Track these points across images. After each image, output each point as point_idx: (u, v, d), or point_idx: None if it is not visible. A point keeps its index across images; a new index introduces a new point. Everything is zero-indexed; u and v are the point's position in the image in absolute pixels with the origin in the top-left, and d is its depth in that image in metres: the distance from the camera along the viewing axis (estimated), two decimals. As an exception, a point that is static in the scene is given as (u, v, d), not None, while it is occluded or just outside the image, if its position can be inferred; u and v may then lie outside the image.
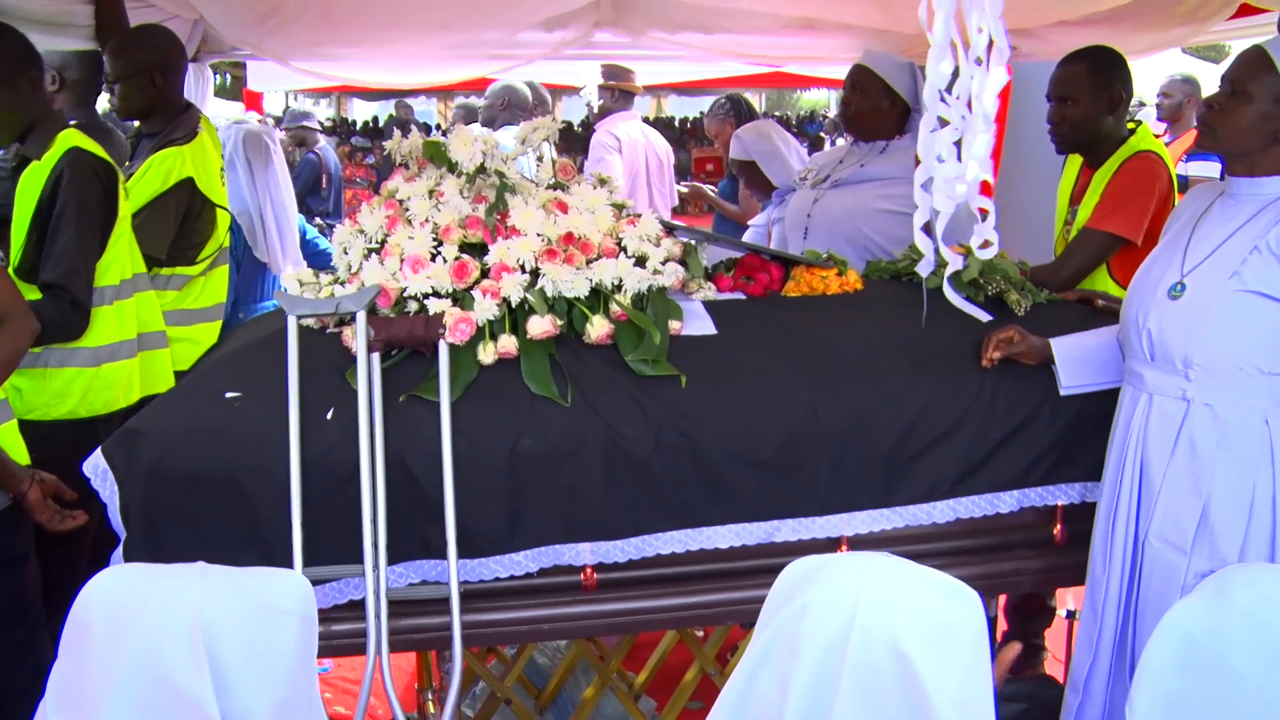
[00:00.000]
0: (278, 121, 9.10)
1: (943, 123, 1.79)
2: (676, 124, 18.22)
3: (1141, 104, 7.68)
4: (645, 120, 5.95)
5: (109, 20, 3.34)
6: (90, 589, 1.25)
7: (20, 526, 2.30)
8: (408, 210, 2.39)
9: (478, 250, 2.34)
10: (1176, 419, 2.12)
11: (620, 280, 2.32)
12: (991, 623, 2.83)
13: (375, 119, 17.72)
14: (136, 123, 3.28)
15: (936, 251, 2.02)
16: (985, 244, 1.98)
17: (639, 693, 3.03)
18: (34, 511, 2.26)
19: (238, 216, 3.88)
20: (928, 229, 2.00)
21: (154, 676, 1.15)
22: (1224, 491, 2.07)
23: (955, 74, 1.76)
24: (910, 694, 1.18)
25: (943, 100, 1.77)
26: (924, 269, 2.16)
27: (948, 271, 2.10)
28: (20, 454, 2.36)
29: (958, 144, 1.79)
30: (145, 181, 3.06)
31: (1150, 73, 6.54)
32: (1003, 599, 3.31)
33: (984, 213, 1.93)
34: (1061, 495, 2.41)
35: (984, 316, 2.32)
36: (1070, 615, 2.99)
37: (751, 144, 4.27)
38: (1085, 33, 3.76)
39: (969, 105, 1.73)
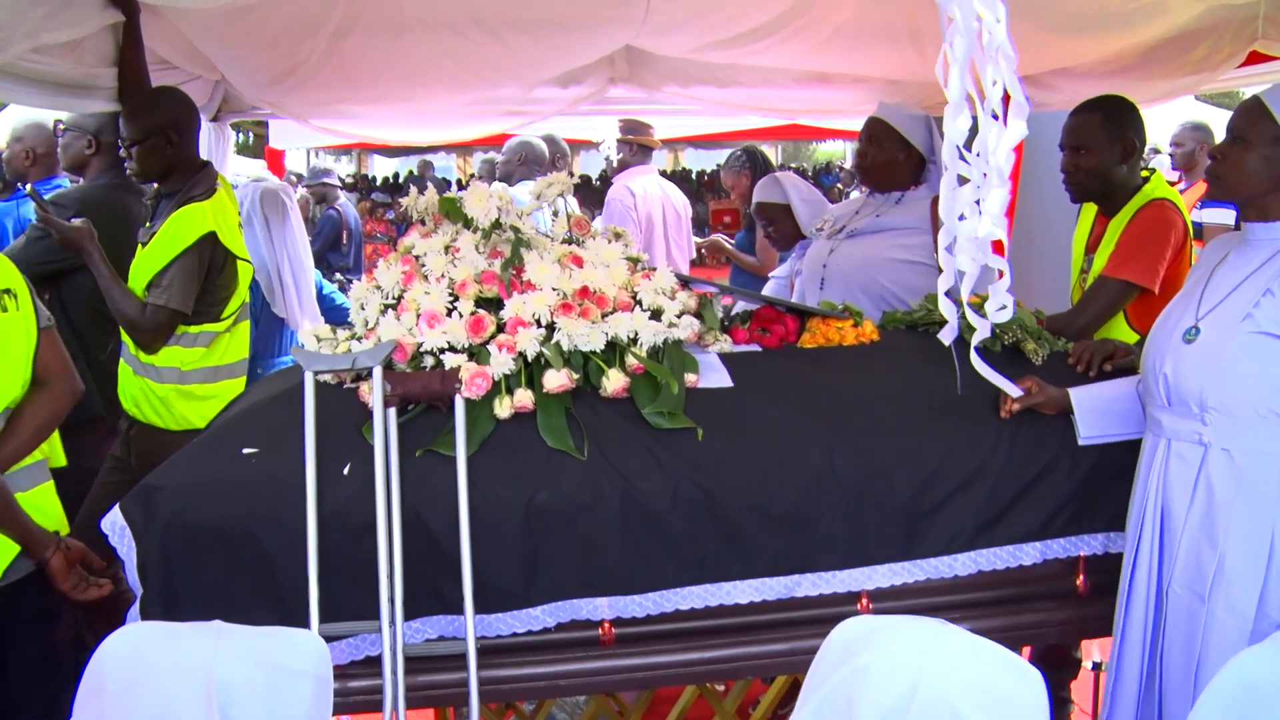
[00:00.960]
0: (299, 179, 9.22)
1: (963, 180, 1.77)
2: (694, 176, 18.34)
3: (1155, 151, 7.68)
4: (662, 173, 5.99)
5: (131, 82, 3.39)
6: (105, 649, 1.24)
7: (52, 587, 2.31)
8: (424, 266, 2.40)
9: (493, 305, 2.35)
10: (1194, 464, 2.11)
11: (636, 333, 2.32)
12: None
13: (396, 174, 17.93)
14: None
15: (961, 317, 1.98)
16: (1002, 307, 1.93)
17: (659, 749, 2.99)
18: (57, 579, 2.27)
19: (255, 273, 3.91)
20: (950, 293, 1.95)
21: None
22: (1241, 537, 2.05)
23: (974, 129, 1.75)
24: None
25: (962, 158, 1.76)
26: (947, 336, 2.07)
27: (975, 339, 2.04)
28: (53, 517, 2.37)
29: (979, 201, 1.76)
30: (168, 239, 3.09)
31: (1164, 120, 6.55)
32: (1026, 650, 3.26)
33: (1000, 275, 1.89)
34: (1084, 546, 2.39)
35: (1015, 391, 2.27)
36: (1096, 667, 2.95)
37: (791, 188, 4.14)
38: (1097, 82, 3.78)
39: (988, 161, 1.71)
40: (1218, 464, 2.08)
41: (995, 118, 1.69)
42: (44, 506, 2.36)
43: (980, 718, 1.16)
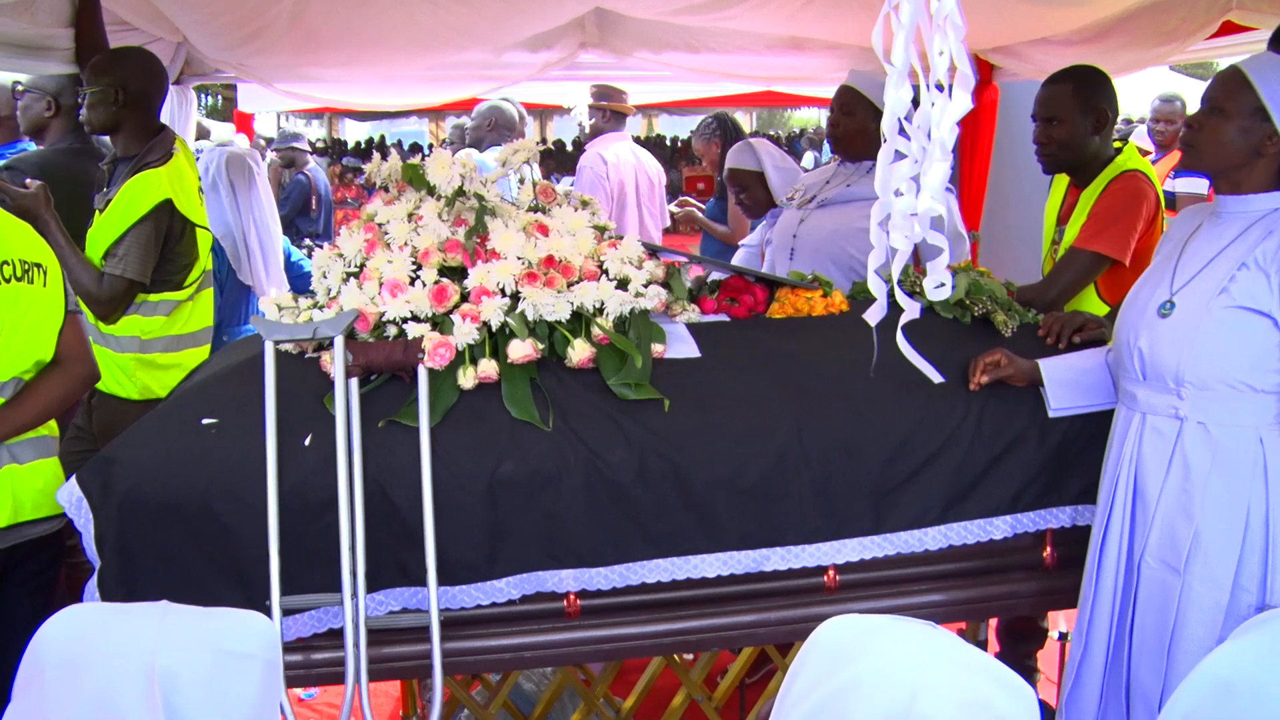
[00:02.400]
0: (269, 142, 9.09)
1: (900, 155, 1.72)
2: (668, 143, 18.23)
3: (1128, 121, 7.68)
4: (636, 140, 5.94)
5: (88, 44, 3.33)
6: (45, 630, 1.21)
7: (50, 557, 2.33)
8: (386, 234, 2.36)
9: (457, 274, 2.31)
10: (1170, 438, 2.11)
11: (602, 303, 2.29)
12: (982, 645, 2.79)
13: (370, 140, 17.73)
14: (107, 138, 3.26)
15: (890, 296, 1.94)
16: (940, 285, 1.88)
17: (626, 718, 2.99)
18: None
19: (221, 239, 3.86)
20: (881, 270, 1.90)
21: None
22: (1217, 511, 2.05)
23: (915, 100, 1.70)
24: None
25: (903, 131, 1.71)
26: (874, 316, 2.01)
27: (903, 320, 1.97)
28: (47, 494, 2.37)
29: (916, 178, 1.71)
30: (124, 207, 3.03)
31: (1138, 90, 6.54)
32: (993, 621, 3.28)
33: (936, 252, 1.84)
34: (1052, 519, 2.39)
35: (937, 377, 2.23)
36: (1062, 637, 2.96)
37: (766, 155, 4.10)
38: (1069, 52, 3.76)
39: (929, 135, 1.66)
40: (1194, 438, 2.08)
41: (940, 89, 1.64)
42: (40, 484, 2.33)
43: None
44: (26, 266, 2.30)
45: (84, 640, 1.18)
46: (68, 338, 2.39)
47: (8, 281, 2.25)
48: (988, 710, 1.14)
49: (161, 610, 1.23)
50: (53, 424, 2.44)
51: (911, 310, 1.95)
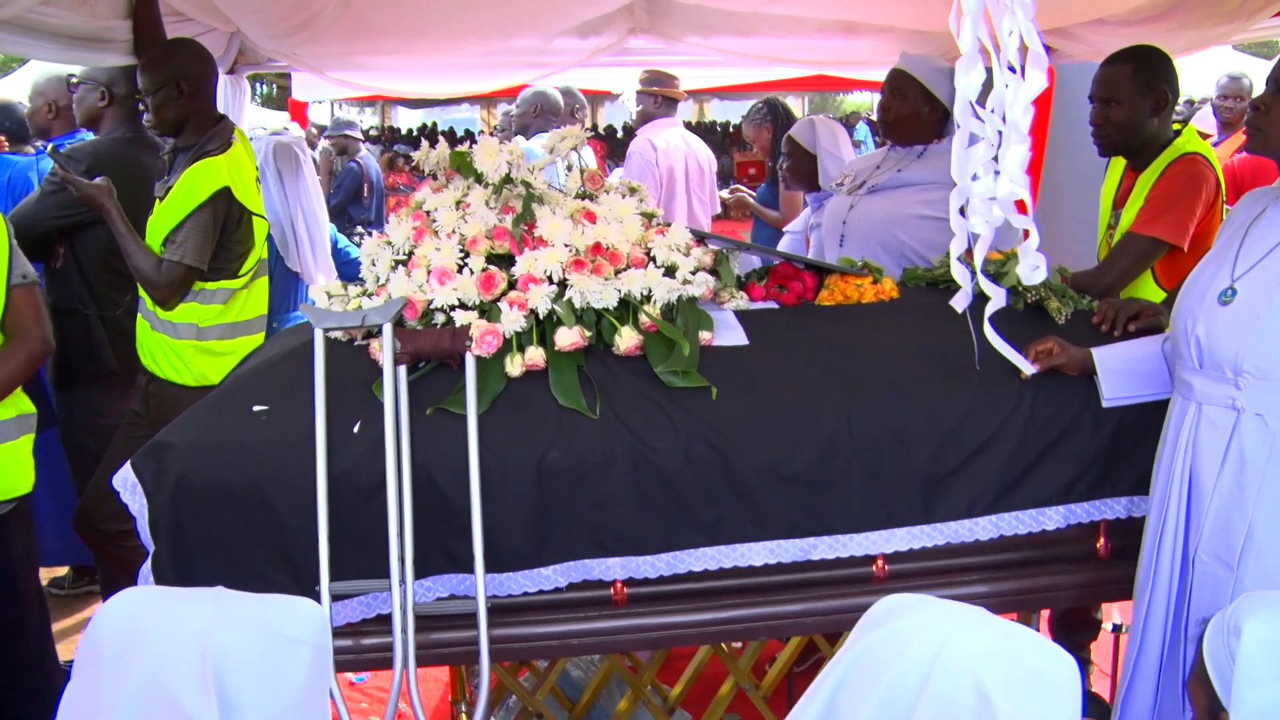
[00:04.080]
0: (321, 130, 9.18)
1: (975, 138, 1.70)
2: (716, 129, 18.15)
3: (1190, 102, 7.51)
4: (687, 125, 5.91)
5: (146, 35, 3.37)
6: (103, 612, 1.24)
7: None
8: (435, 222, 2.37)
9: (505, 261, 2.32)
10: (1226, 429, 2.05)
11: (649, 290, 2.28)
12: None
13: (423, 127, 17.85)
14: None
15: (976, 284, 1.92)
16: (1035, 269, 1.87)
17: (673, 706, 2.99)
18: None
19: (270, 227, 3.89)
20: (964, 258, 1.89)
21: (161, 702, 1.14)
22: (1272, 504, 2.00)
23: (989, 83, 1.68)
24: None
25: (975, 114, 1.68)
26: (960, 303, 2.02)
27: (989, 309, 1.98)
28: (21, 474, 2.44)
29: (995, 160, 1.69)
30: (183, 194, 3.08)
31: (1200, 71, 6.40)
32: (1045, 611, 3.24)
33: (1027, 234, 1.83)
34: (1107, 510, 2.34)
35: (1028, 368, 2.22)
36: (1116, 629, 2.91)
37: (824, 138, 4.09)
38: (1126, 32, 3.68)
39: (1004, 117, 1.64)
40: (1250, 430, 2.02)
41: (1012, 70, 1.61)
42: (10, 464, 2.37)
43: (1004, 687, 1.12)
44: None
45: (140, 621, 1.20)
46: (17, 311, 2.40)
47: None
48: (1021, 666, 1.13)
49: (216, 595, 1.25)
50: (13, 403, 2.47)
51: (998, 298, 1.93)
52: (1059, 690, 1.14)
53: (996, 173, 1.67)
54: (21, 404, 2.60)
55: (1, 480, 2.53)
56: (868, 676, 1.19)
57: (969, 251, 1.88)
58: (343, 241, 4.63)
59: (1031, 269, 1.85)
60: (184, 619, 1.20)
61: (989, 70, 1.67)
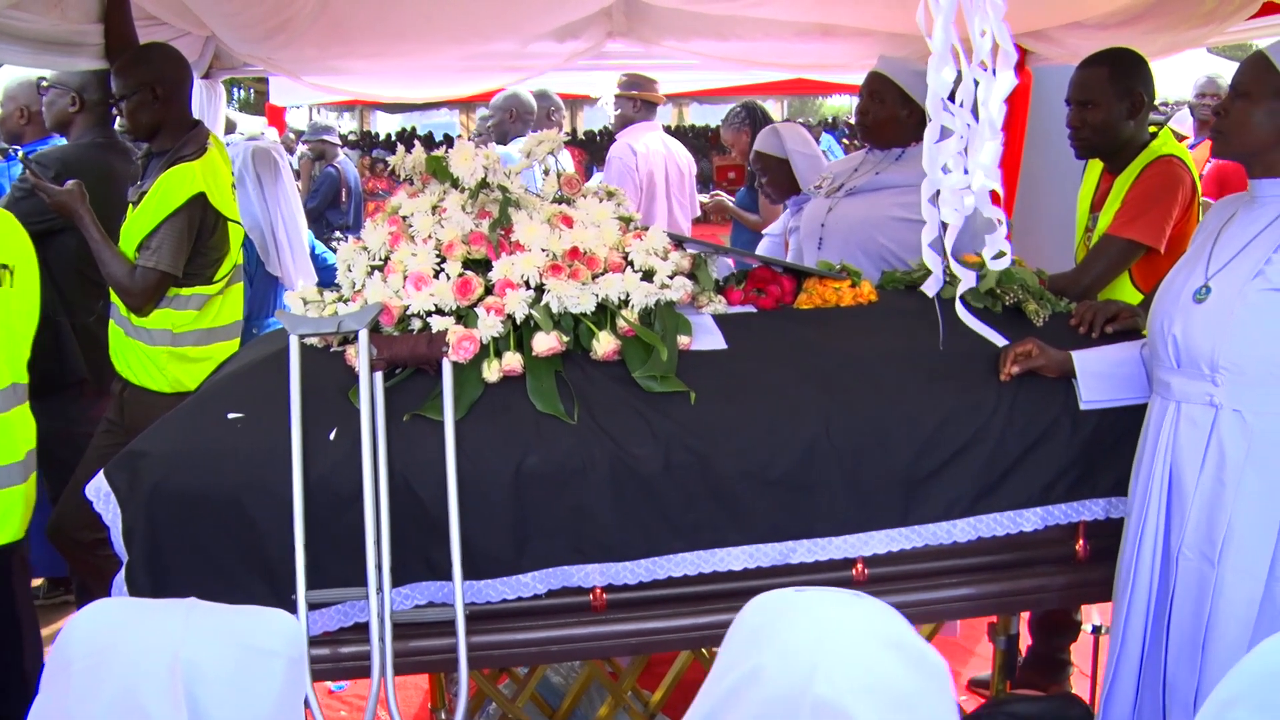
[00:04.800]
0: (299, 135, 9.13)
1: (947, 132, 1.73)
2: (697, 133, 18.15)
3: (1167, 105, 7.56)
4: (666, 129, 5.90)
5: (118, 39, 3.34)
6: (72, 624, 1.21)
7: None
8: (411, 226, 2.35)
9: (482, 267, 2.30)
10: (1205, 426, 2.07)
11: (627, 295, 2.27)
12: (1014, 639, 2.76)
13: (402, 131, 17.78)
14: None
15: (946, 268, 1.97)
16: (999, 255, 1.92)
17: (654, 712, 2.98)
18: None
19: (250, 232, 3.87)
20: (935, 244, 1.94)
21: (131, 716, 1.12)
22: (1252, 500, 2.01)
23: (959, 80, 1.71)
24: None
25: (946, 109, 1.71)
26: (931, 287, 2.09)
27: (960, 289, 2.03)
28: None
29: (964, 153, 1.72)
30: (158, 200, 3.05)
31: (1175, 74, 6.44)
32: (1026, 613, 3.24)
33: (997, 223, 1.87)
34: (1085, 511, 2.34)
35: (999, 340, 2.25)
36: (1096, 630, 2.92)
37: (791, 141, 4.10)
38: (1103, 35, 3.69)
39: (974, 113, 1.67)
40: (1229, 426, 2.04)
41: (984, 68, 1.63)
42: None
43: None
44: None
45: (109, 634, 1.18)
46: None
47: None
48: (889, 691, 1.10)
49: (187, 606, 1.23)
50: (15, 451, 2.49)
51: (968, 280, 1.97)
52: (929, 715, 1.13)
53: (966, 167, 1.70)
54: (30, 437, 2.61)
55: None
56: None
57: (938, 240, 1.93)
58: (319, 247, 4.61)
59: (994, 255, 1.89)
60: (154, 631, 1.18)
61: (959, 69, 1.70)
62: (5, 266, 2.30)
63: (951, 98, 1.71)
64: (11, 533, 2.53)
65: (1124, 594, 2.21)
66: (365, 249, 2.38)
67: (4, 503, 2.50)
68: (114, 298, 3.16)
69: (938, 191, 1.77)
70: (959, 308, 2.07)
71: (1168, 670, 2.14)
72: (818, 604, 1.18)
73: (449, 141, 14.40)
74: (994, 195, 1.77)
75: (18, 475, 2.53)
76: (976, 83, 1.65)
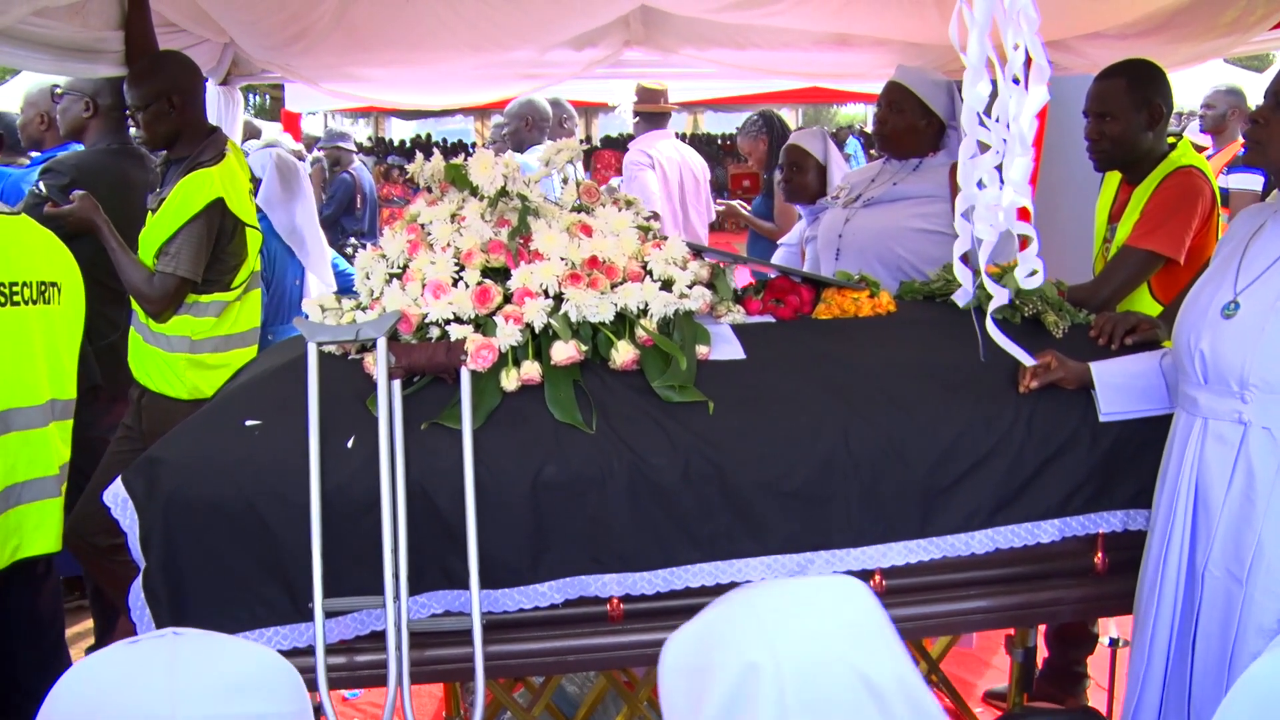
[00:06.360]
0: (314, 142, 9.16)
1: (983, 147, 1.72)
2: (710, 141, 18.15)
3: (1180, 115, 7.53)
4: (680, 137, 5.90)
5: (138, 46, 3.35)
6: (58, 690, 1.18)
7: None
8: (429, 235, 2.36)
9: (500, 275, 2.30)
10: (1234, 444, 2.04)
11: (646, 304, 2.27)
12: (1031, 651, 2.75)
13: (417, 137, 17.83)
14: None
15: (978, 284, 1.95)
16: (1033, 273, 1.89)
17: (669, 722, 2.97)
18: None
19: (287, 238, 3.90)
20: (966, 259, 1.92)
21: None
22: None
23: (994, 94, 1.70)
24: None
25: (982, 124, 1.70)
26: (961, 299, 2.06)
27: (991, 306, 2.00)
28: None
29: (999, 168, 1.71)
30: (176, 206, 3.06)
31: (1193, 83, 6.41)
32: (1043, 626, 3.23)
33: (1026, 242, 1.85)
34: (1103, 523, 2.33)
35: (1028, 361, 2.23)
36: (1113, 643, 2.90)
37: (836, 152, 4.05)
38: (1122, 45, 3.68)
39: (1008, 127, 1.66)
40: (1259, 444, 2.00)
41: (1016, 82, 1.63)
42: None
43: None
44: (43, 287, 2.31)
45: (98, 699, 1.15)
46: None
47: (22, 304, 2.26)
48: (846, 670, 1.17)
49: (171, 665, 1.19)
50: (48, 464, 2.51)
51: (1000, 296, 1.94)
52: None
53: (1002, 181, 1.69)
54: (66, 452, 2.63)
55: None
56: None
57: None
58: (332, 254, 4.62)
59: (1028, 274, 1.87)
60: (143, 702, 1.15)
61: (994, 82, 1.69)
62: (53, 284, 2.31)
63: (986, 112, 1.70)
64: (50, 543, 2.57)
65: (1148, 610, 2.19)
66: (384, 257, 2.38)
67: (42, 515, 2.53)
68: (133, 304, 3.17)
69: (972, 207, 1.76)
70: (990, 326, 2.05)
71: (1193, 688, 2.11)
72: (738, 612, 1.25)
73: (463, 148, 14.44)
74: (1023, 211, 1.75)
75: (53, 488, 2.55)
76: (1010, 96, 1.64)
